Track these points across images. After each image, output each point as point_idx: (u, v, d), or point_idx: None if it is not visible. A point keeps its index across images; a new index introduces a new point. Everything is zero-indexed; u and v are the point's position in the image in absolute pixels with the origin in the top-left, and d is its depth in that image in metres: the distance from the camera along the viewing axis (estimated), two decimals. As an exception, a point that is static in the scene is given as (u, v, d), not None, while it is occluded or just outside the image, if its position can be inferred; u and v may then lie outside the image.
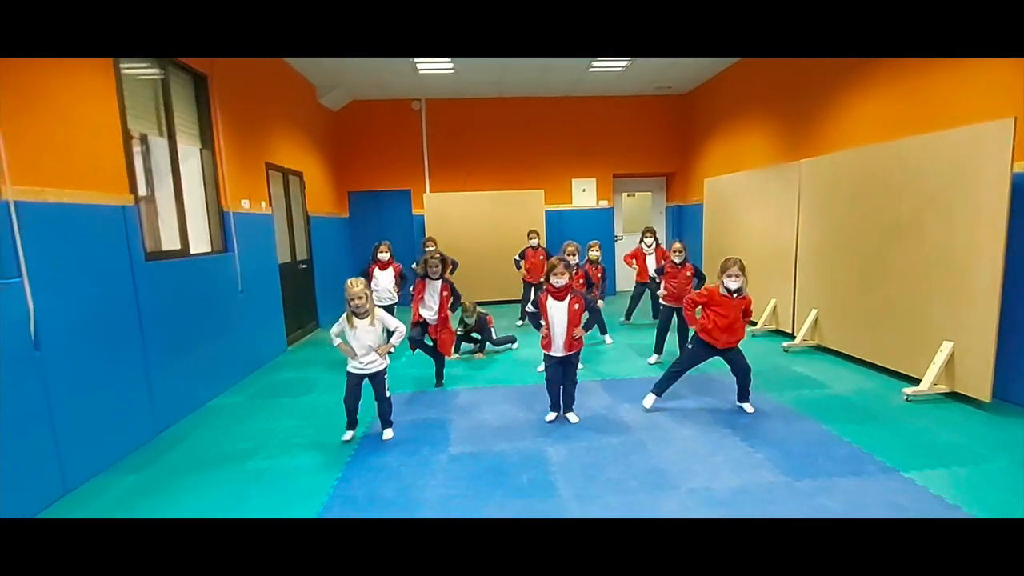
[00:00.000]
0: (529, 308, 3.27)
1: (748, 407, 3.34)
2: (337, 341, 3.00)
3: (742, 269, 3.18)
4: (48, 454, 2.49)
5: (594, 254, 4.93)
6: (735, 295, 3.20)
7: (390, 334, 3.09)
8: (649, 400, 3.45)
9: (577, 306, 3.10)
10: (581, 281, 4.32)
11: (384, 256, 4.86)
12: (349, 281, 2.95)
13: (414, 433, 3.17)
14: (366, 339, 2.95)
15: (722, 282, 3.20)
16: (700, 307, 3.34)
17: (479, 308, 4.95)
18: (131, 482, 2.69)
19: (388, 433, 3.13)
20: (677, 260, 4.37)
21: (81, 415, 2.68)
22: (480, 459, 2.81)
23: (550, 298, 3.11)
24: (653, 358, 4.57)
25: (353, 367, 3.00)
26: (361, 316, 2.94)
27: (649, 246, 5.82)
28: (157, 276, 3.36)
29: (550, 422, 3.25)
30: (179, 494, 2.56)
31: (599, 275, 4.93)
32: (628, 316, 6.12)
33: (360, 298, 2.90)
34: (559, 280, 3.06)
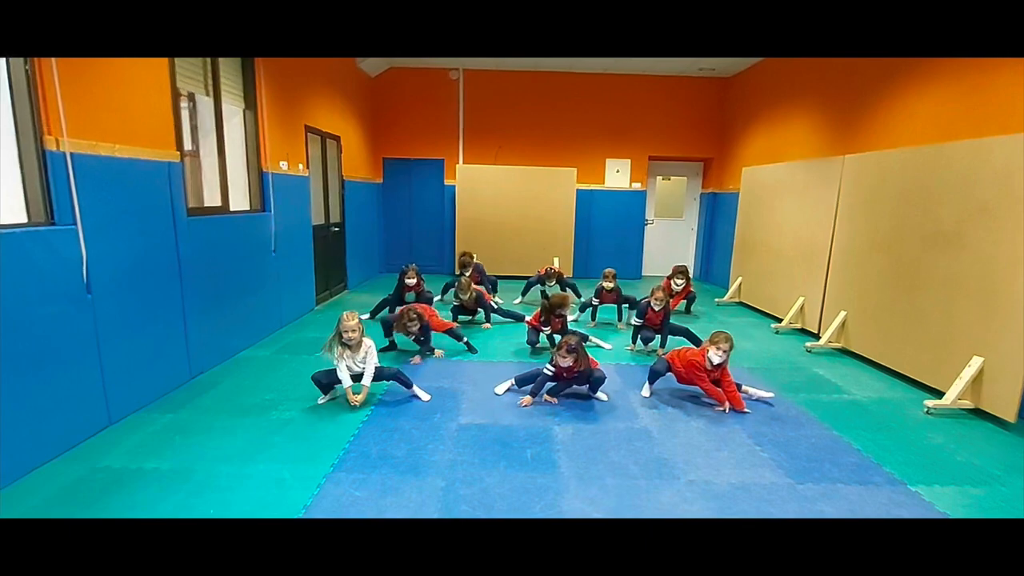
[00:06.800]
0: (548, 370, 3.27)
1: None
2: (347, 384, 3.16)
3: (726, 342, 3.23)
4: (96, 389, 2.72)
5: (608, 284, 5.12)
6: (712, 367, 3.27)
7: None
8: (646, 390, 3.55)
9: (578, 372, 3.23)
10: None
11: (411, 281, 5.14)
12: (346, 314, 3.13)
13: (428, 400, 3.30)
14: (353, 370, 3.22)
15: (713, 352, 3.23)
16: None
17: (475, 285, 5.12)
18: (168, 420, 2.91)
19: (425, 396, 3.32)
20: (659, 305, 4.34)
21: (125, 356, 2.90)
22: (488, 431, 2.92)
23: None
24: (631, 347, 4.56)
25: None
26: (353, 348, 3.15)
27: (679, 285, 5.53)
28: (198, 231, 3.54)
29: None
30: (210, 435, 2.76)
31: (613, 299, 5.23)
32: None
33: (355, 331, 3.10)
34: (564, 361, 3.15)
